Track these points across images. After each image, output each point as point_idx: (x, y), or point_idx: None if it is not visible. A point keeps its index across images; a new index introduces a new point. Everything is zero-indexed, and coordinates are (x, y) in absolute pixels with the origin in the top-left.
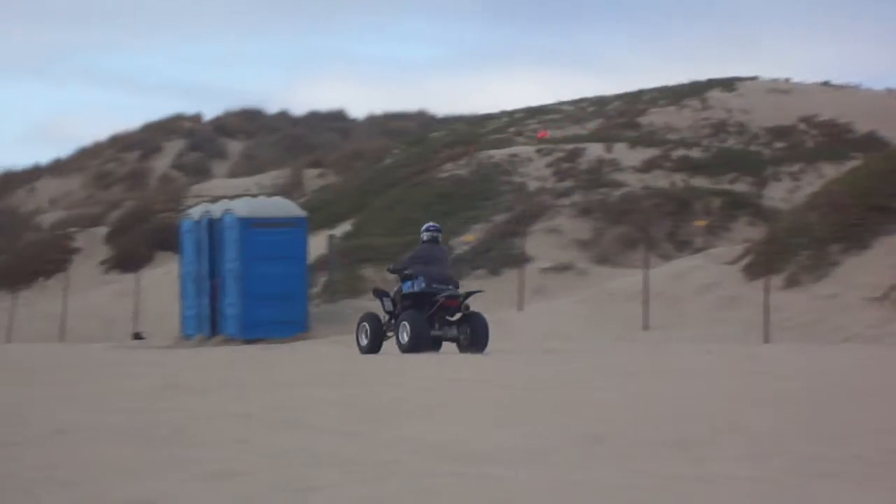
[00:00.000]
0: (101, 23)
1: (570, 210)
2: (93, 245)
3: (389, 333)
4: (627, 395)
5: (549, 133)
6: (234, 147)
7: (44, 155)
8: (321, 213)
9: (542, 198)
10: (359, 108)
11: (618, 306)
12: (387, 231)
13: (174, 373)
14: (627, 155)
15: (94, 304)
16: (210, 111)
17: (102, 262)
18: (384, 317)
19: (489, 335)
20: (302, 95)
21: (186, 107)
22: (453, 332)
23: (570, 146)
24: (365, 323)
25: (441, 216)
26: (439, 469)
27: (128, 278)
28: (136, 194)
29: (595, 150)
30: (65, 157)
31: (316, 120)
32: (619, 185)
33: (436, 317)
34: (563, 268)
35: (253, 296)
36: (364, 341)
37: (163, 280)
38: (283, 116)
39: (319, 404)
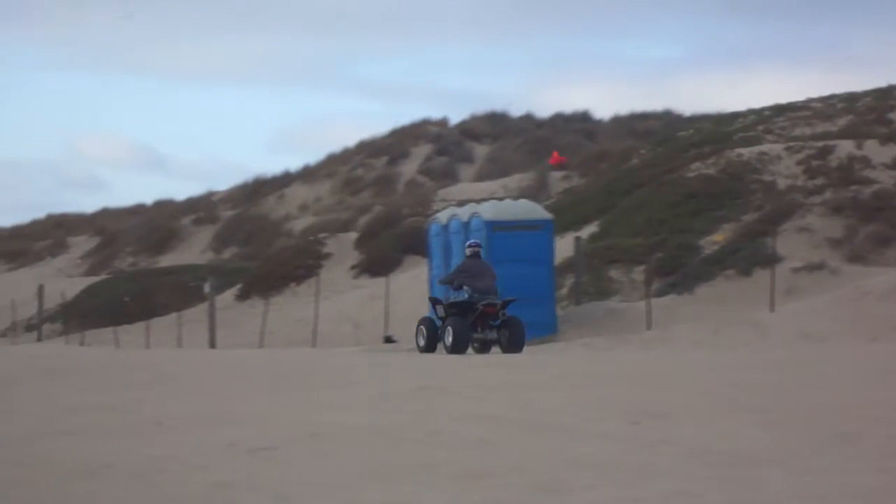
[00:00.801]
0: (349, 32)
1: (821, 208)
2: (343, 250)
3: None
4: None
5: (565, 158)
6: (480, 150)
7: (294, 162)
8: (567, 215)
9: (792, 196)
10: (604, 108)
11: (871, 306)
12: (634, 232)
13: (425, 376)
14: (879, 152)
15: (345, 309)
16: (456, 115)
17: (352, 267)
18: (439, 322)
19: (525, 337)
20: (547, 97)
21: (433, 112)
22: (493, 334)
23: (819, 143)
24: (422, 326)
25: (689, 216)
26: (698, 472)
27: (377, 282)
28: (385, 199)
29: (845, 148)
30: (314, 164)
31: (561, 121)
32: (870, 182)
33: (478, 322)
34: (814, 267)
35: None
36: (421, 342)
37: (412, 284)
38: (528, 119)
39: (572, 406)
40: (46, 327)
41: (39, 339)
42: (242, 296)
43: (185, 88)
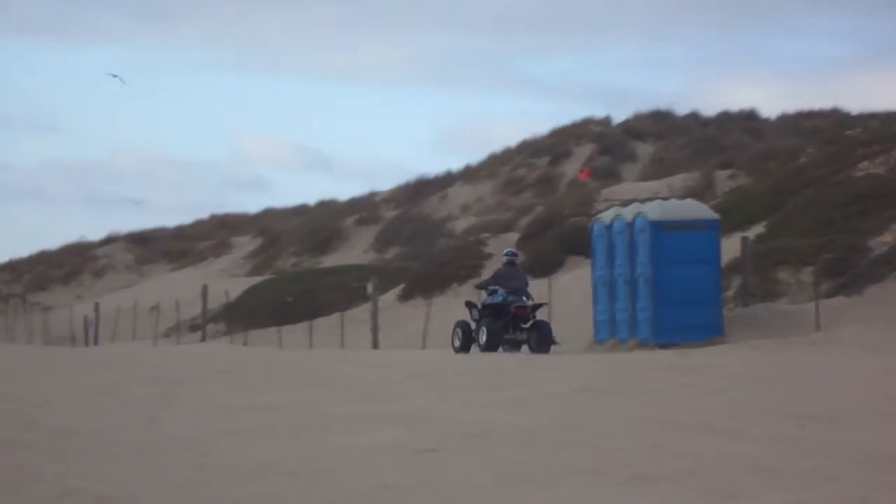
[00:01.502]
0: (515, 31)
1: None
2: (504, 250)
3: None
4: None
5: (591, 173)
6: (644, 150)
7: (455, 162)
8: (733, 216)
9: None
10: (770, 107)
11: None
12: (801, 233)
13: (588, 377)
14: None
15: None
16: (619, 114)
17: None
18: (473, 324)
19: (552, 338)
20: (712, 96)
21: (595, 111)
22: (523, 336)
23: None
24: (458, 328)
25: (857, 216)
26: (868, 476)
27: (539, 283)
28: (547, 199)
29: None
30: (475, 164)
31: (726, 120)
32: None
33: (510, 324)
34: None
35: (665, 300)
36: (457, 343)
37: (574, 285)
38: (693, 118)
39: (739, 409)
40: (210, 327)
41: (203, 339)
42: (405, 296)
43: (349, 89)
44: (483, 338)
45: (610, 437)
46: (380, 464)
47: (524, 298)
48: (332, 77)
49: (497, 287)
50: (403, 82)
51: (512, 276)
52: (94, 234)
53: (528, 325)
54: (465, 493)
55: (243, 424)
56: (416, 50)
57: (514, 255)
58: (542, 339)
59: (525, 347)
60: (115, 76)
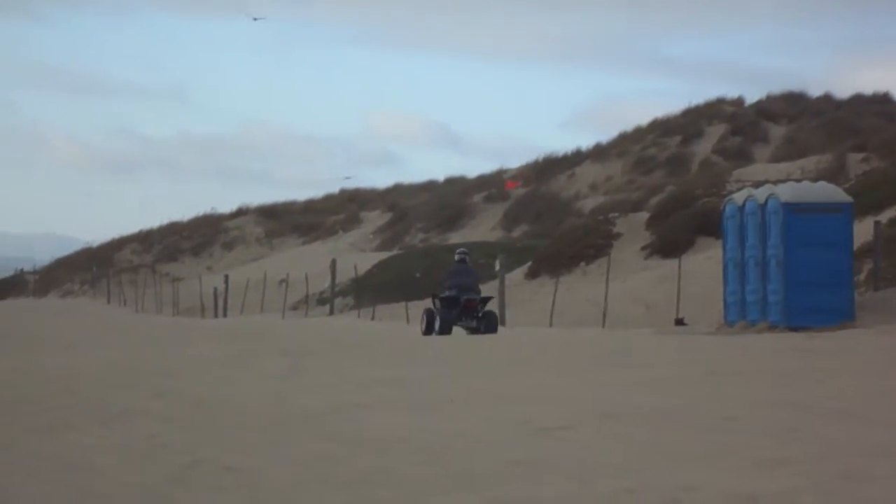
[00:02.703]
0: (647, 10)
1: None
2: (633, 230)
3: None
4: None
5: (520, 183)
6: (776, 131)
7: (585, 140)
8: (865, 199)
9: None
10: None
11: None
12: None
13: (718, 359)
14: None
15: (636, 290)
16: (751, 95)
17: (643, 248)
18: (436, 312)
19: (497, 326)
20: (846, 78)
21: (728, 90)
22: (473, 323)
23: None
24: (424, 315)
25: None
26: None
27: (668, 264)
28: (677, 179)
29: None
30: (605, 142)
31: (860, 103)
32: None
33: (462, 313)
34: None
35: (796, 282)
36: (423, 327)
37: (704, 266)
38: (827, 99)
39: (869, 393)
40: (338, 301)
41: (331, 313)
42: (532, 274)
43: (482, 67)
44: (437, 325)
45: (740, 419)
46: (507, 440)
47: (472, 294)
48: (467, 54)
49: (450, 284)
50: (538, 60)
51: (461, 273)
52: (225, 207)
53: (479, 315)
54: (594, 472)
55: (370, 398)
56: (553, 28)
57: (466, 254)
58: (489, 327)
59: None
60: (256, 19)
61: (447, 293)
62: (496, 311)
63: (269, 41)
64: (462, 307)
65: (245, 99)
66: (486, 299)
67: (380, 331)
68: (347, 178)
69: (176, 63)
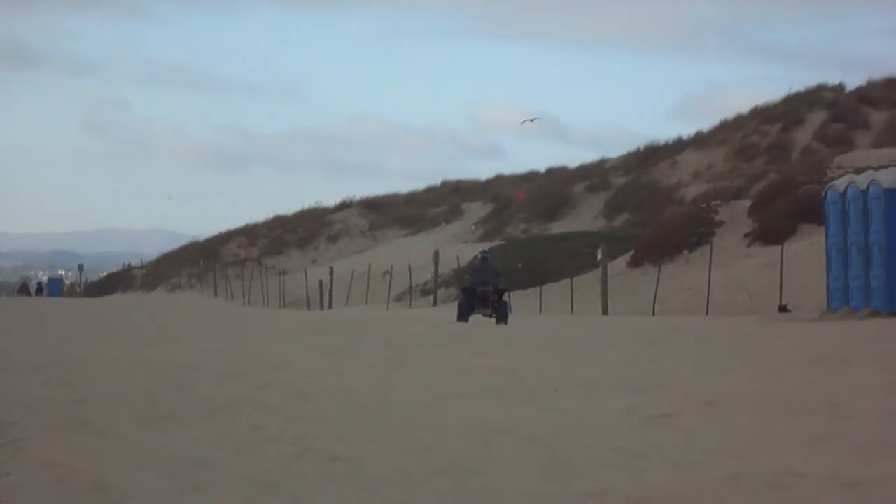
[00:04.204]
0: None
1: None
2: (735, 218)
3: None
4: None
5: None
6: (877, 117)
7: (686, 128)
8: None
9: None
10: None
11: None
12: None
13: (822, 345)
14: None
15: (738, 277)
16: (852, 81)
17: (745, 235)
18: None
19: (508, 315)
20: None
21: (828, 77)
22: (488, 311)
23: None
24: (457, 303)
25: None
26: None
27: (771, 251)
28: (778, 167)
29: None
30: (707, 131)
31: None
32: None
33: (479, 303)
34: None
35: None
36: (455, 315)
37: (806, 253)
38: None
39: None
40: (441, 291)
41: (435, 304)
42: (634, 263)
43: (586, 56)
44: (458, 312)
45: (845, 405)
46: (611, 429)
47: (488, 286)
48: (570, 44)
49: (470, 277)
50: (641, 50)
51: (481, 269)
52: (329, 200)
53: (494, 305)
54: (698, 459)
55: (474, 387)
56: (654, 17)
57: (487, 253)
58: (499, 316)
59: None
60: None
61: (466, 286)
62: (515, 301)
63: (380, 35)
64: (479, 298)
65: (354, 93)
66: (501, 291)
67: (482, 320)
68: (532, 119)
69: (288, 59)
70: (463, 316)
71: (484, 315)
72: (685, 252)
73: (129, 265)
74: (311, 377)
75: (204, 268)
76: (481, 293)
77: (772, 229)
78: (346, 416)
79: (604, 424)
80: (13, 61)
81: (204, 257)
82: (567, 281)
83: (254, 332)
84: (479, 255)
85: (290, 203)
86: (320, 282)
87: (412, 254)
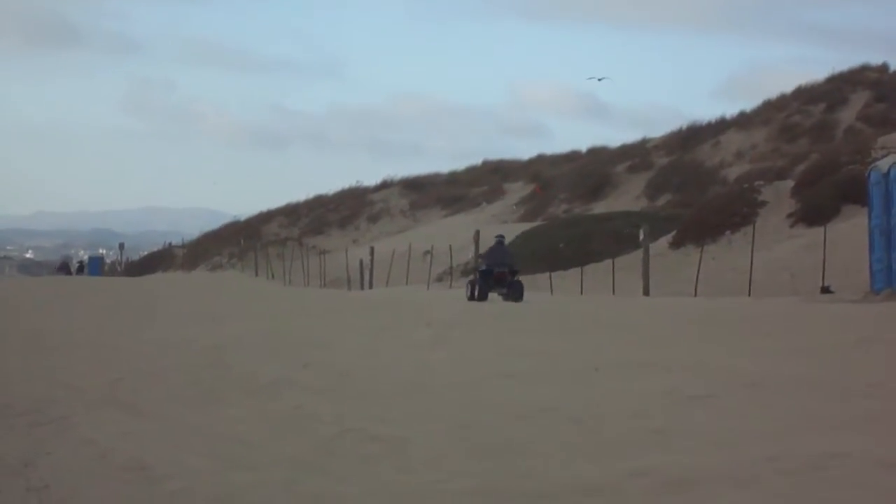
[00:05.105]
0: None
1: None
2: (778, 198)
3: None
4: None
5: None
6: None
7: (730, 108)
8: None
9: None
10: None
11: None
12: None
13: (864, 327)
14: None
15: (781, 258)
16: None
17: (788, 216)
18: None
19: (522, 294)
20: None
21: (872, 57)
22: (504, 290)
23: None
24: (468, 284)
25: None
26: None
27: (814, 232)
28: (822, 147)
29: None
30: (749, 110)
31: None
32: None
33: (494, 283)
34: None
35: None
36: (467, 293)
37: (850, 233)
38: None
39: None
40: None
41: None
42: (676, 243)
43: (630, 35)
44: (475, 291)
45: (886, 386)
46: (652, 409)
47: (503, 267)
48: (613, 23)
49: (486, 259)
50: (683, 29)
51: (497, 252)
52: (370, 179)
53: (508, 284)
54: (739, 440)
55: (515, 368)
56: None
57: (502, 237)
58: (514, 295)
59: None
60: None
61: (483, 268)
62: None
63: (423, 14)
64: (495, 278)
65: (396, 72)
66: (515, 272)
67: (536, 302)
68: (601, 78)
69: (330, 38)
70: (482, 295)
71: (499, 294)
72: (727, 233)
73: (170, 244)
74: (351, 357)
75: (245, 247)
76: (497, 273)
77: (815, 210)
78: (386, 395)
79: (645, 405)
80: (58, 40)
81: (245, 237)
82: (609, 261)
83: (294, 312)
84: (495, 238)
85: (330, 182)
86: (361, 262)
87: (453, 234)
